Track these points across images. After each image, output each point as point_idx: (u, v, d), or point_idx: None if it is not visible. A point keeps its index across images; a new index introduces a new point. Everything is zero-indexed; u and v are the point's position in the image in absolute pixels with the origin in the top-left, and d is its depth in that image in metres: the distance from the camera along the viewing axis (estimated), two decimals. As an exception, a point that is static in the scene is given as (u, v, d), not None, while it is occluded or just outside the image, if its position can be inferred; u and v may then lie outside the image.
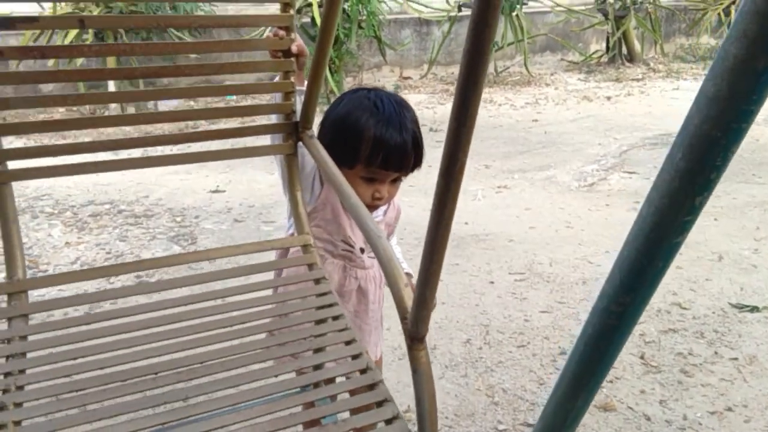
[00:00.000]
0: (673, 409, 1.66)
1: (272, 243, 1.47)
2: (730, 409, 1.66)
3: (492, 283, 2.37)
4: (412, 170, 1.19)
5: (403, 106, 1.17)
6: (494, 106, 5.46)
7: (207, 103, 5.13)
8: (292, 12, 1.32)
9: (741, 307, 2.15)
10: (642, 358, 1.88)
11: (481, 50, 0.67)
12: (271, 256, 1.51)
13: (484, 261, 2.54)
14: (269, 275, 1.39)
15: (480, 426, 1.62)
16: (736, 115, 0.41)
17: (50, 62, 4.54)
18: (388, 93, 1.20)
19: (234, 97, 5.21)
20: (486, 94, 5.75)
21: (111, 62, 4.37)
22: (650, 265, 0.51)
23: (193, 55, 4.62)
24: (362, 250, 1.24)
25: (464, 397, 1.74)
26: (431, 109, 5.27)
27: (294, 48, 1.22)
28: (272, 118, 1.42)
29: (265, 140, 1.42)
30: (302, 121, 1.39)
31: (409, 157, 1.14)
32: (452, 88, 6.00)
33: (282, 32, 1.21)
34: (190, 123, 4.00)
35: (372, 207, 1.19)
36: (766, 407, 1.67)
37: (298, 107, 1.28)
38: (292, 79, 1.37)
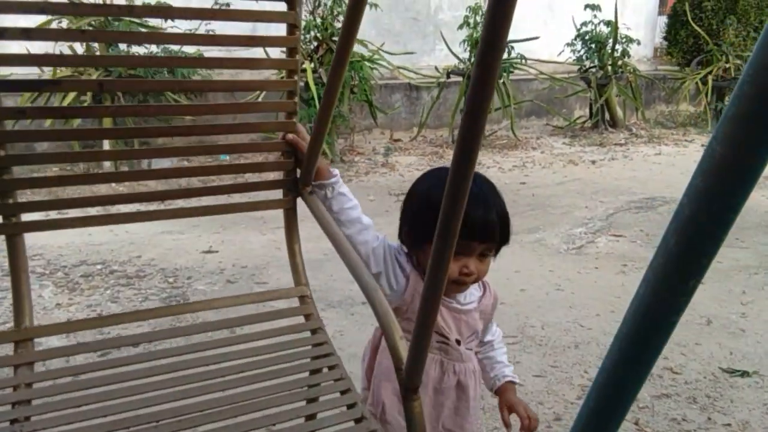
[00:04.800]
0: (669, 478, 1.66)
1: (271, 294, 1.50)
2: (726, 477, 1.66)
3: (485, 346, 2.37)
4: (499, 246, 1.15)
5: (487, 183, 1.17)
6: (482, 169, 5.59)
7: (201, 162, 5.20)
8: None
9: (732, 372, 2.17)
10: (636, 424, 1.88)
11: (475, 131, 0.72)
12: (268, 306, 1.50)
13: (476, 324, 2.55)
14: (266, 325, 1.40)
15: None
16: (724, 207, 0.45)
17: (47, 123, 4.62)
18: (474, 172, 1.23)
19: (227, 158, 5.30)
20: (474, 157, 5.89)
21: (107, 123, 4.45)
22: (648, 342, 0.53)
23: (188, 117, 4.73)
24: (458, 342, 1.17)
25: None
26: (421, 171, 5.37)
27: (289, 137, 1.31)
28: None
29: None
30: (303, 178, 1.45)
31: (493, 228, 1.11)
32: (441, 150, 6.15)
33: (289, 136, 1.36)
34: (183, 182, 4.06)
35: (461, 284, 1.14)
36: (762, 475, 1.67)
37: None
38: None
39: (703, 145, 6.30)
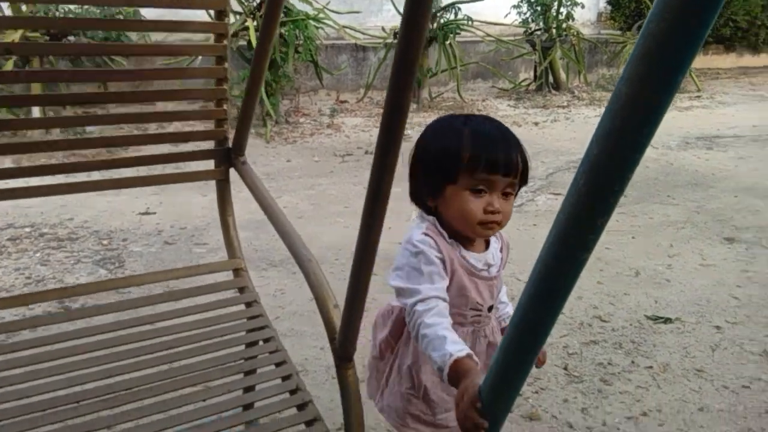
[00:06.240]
0: (593, 416, 1.74)
1: (202, 268, 1.46)
2: (645, 414, 1.76)
3: (425, 301, 2.41)
4: (519, 184, 1.06)
5: (496, 120, 1.09)
6: (429, 131, 5.60)
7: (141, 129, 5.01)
8: (225, 42, 1.35)
9: (655, 319, 2.29)
10: (565, 369, 1.97)
11: (404, 86, 0.72)
12: (202, 279, 1.48)
13: (417, 280, 2.58)
14: (199, 300, 1.38)
15: (411, 440, 1.64)
16: (629, 147, 0.46)
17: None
18: (479, 114, 1.12)
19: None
20: (421, 118, 5.89)
21: (36, 88, 4.19)
22: (559, 279, 0.55)
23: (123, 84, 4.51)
24: (490, 308, 1.12)
25: (396, 412, 1.75)
26: (367, 132, 5.35)
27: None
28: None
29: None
30: (235, 148, 1.41)
31: (515, 159, 1.02)
32: (388, 113, 6.12)
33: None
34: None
35: (487, 227, 1.03)
36: (678, 411, 1.78)
37: None
38: (225, 106, 1.39)
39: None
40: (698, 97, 7.49)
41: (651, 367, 2.00)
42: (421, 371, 1.11)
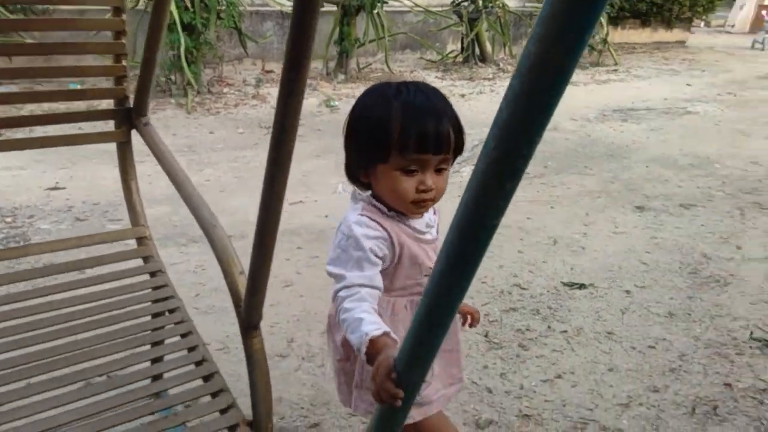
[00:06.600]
0: (511, 381, 1.81)
1: (104, 236, 1.39)
2: (560, 377, 1.84)
3: (350, 273, 2.41)
4: (454, 155, 1.03)
5: (435, 92, 1.03)
6: (357, 102, 5.55)
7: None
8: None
9: (571, 285, 2.39)
10: (486, 336, 2.03)
11: (303, 46, 0.70)
12: (100, 249, 1.41)
13: (343, 253, 2.57)
14: (103, 270, 1.32)
15: (334, 413, 1.65)
16: (537, 108, 0.45)
17: None
18: (413, 81, 1.07)
19: (78, 86, 4.81)
20: (348, 89, 5.82)
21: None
22: (470, 246, 0.54)
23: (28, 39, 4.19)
24: None
25: (320, 386, 1.75)
26: (294, 104, 5.24)
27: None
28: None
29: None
30: (136, 108, 1.33)
31: (446, 135, 0.98)
32: (315, 83, 6.00)
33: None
34: (24, 109, 3.63)
35: (420, 205, 1.02)
36: (590, 372, 1.87)
37: None
38: (124, 62, 1.30)
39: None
40: (615, 70, 7.80)
41: (566, 331, 2.09)
42: None
